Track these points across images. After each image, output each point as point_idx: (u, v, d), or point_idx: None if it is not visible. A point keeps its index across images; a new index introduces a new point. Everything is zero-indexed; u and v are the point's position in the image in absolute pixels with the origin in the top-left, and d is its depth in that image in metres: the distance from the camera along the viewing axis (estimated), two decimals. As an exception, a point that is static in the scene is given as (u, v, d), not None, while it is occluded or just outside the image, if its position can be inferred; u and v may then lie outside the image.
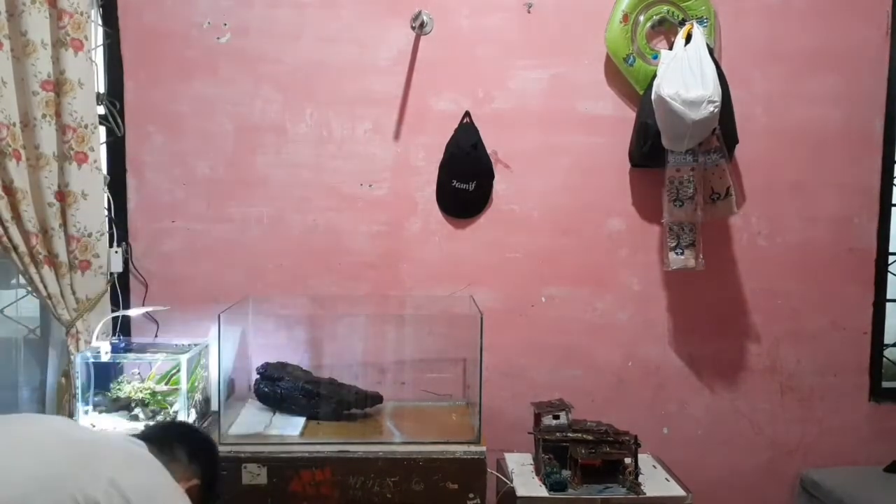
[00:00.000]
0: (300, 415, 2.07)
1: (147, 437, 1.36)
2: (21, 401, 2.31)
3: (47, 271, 2.07)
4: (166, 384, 2.10)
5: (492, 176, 2.34)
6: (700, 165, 2.22)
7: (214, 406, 2.10)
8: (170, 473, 1.26)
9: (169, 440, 1.38)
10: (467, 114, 2.32)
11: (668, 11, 2.28)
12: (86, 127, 2.08)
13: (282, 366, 2.15)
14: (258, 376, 2.12)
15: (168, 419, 1.51)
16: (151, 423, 1.94)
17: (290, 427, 1.99)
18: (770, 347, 2.44)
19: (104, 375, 2.12)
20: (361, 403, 2.08)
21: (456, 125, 2.32)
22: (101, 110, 2.23)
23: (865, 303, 2.44)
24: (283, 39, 2.28)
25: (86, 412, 2.03)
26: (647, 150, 2.24)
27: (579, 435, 2.03)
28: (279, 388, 2.07)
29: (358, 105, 2.31)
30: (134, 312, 2.23)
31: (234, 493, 1.78)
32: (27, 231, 2.03)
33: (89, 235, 2.13)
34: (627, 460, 2.00)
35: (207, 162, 2.29)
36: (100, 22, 2.26)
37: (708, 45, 2.19)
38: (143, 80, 2.27)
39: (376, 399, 2.11)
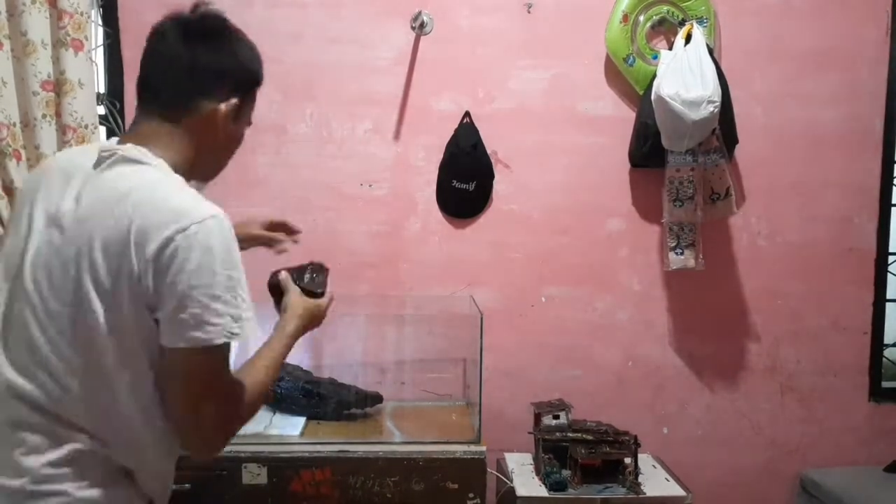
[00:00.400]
0: (300, 415, 2.07)
1: (148, 86, 1.12)
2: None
3: (47, 271, 2.07)
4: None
5: (492, 176, 2.35)
6: (700, 165, 2.22)
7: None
8: (198, 119, 1.08)
9: (177, 71, 1.10)
10: (467, 114, 2.32)
11: (667, 11, 2.28)
12: (86, 127, 2.08)
13: (292, 369, 2.14)
14: None
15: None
16: None
17: (291, 427, 1.99)
18: (770, 347, 2.44)
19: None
20: (361, 403, 2.08)
21: (456, 125, 2.32)
22: (102, 110, 2.23)
23: (865, 303, 2.44)
24: (283, 39, 2.28)
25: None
26: (647, 150, 2.24)
27: (579, 435, 2.03)
28: (279, 387, 2.07)
29: (358, 105, 2.31)
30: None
31: (234, 493, 1.78)
32: (27, 231, 2.03)
33: (89, 235, 2.13)
34: (627, 460, 2.00)
35: (207, 162, 2.29)
36: (100, 22, 2.26)
37: (708, 45, 2.19)
38: (144, 80, 2.27)
39: (376, 399, 2.11)
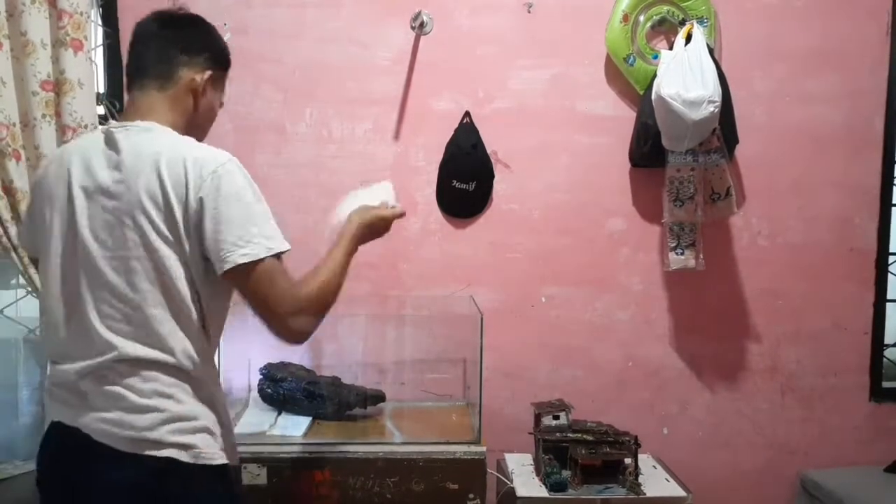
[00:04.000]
0: (303, 414, 2.07)
1: (139, 68, 1.34)
2: (21, 401, 2.31)
3: (47, 271, 2.07)
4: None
5: (492, 176, 2.34)
6: (700, 165, 2.22)
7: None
8: (180, 86, 1.33)
9: (162, 51, 1.34)
10: (467, 114, 2.32)
11: (668, 11, 2.28)
12: (86, 127, 2.07)
13: (283, 366, 2.15)
14: (261, 377, 2.12)
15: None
16: None
17: (294, 427, 1.99)
18: (770, 348, 2.43)
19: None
20: (364, 402, 2.07)
21: (456, 125, 2.32)
22: (101, 110, 2.23)
23: (866, 303, 2.44)
24: (283, 39, 2.28)
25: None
26: (648, 150, 2.24)
27: (579, 435, 2.03)
28: (282, 388, 2.07)
29: (358, 105, 2.31)
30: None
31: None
32: (27, 231, 2.03)
33: (89, 235, 2.12)
34: (627, 460, 2.00)
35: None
36: (100, 22, 2.26)
37: (708, 45, 2.19)
38: (143, 80, 2.27)
39: (379, 398, 2.10)
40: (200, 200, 1.20)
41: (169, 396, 1.23)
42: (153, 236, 1.21)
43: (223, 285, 1.28)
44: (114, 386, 1.22)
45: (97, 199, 1.25)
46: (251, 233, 1.21)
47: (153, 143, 1.25)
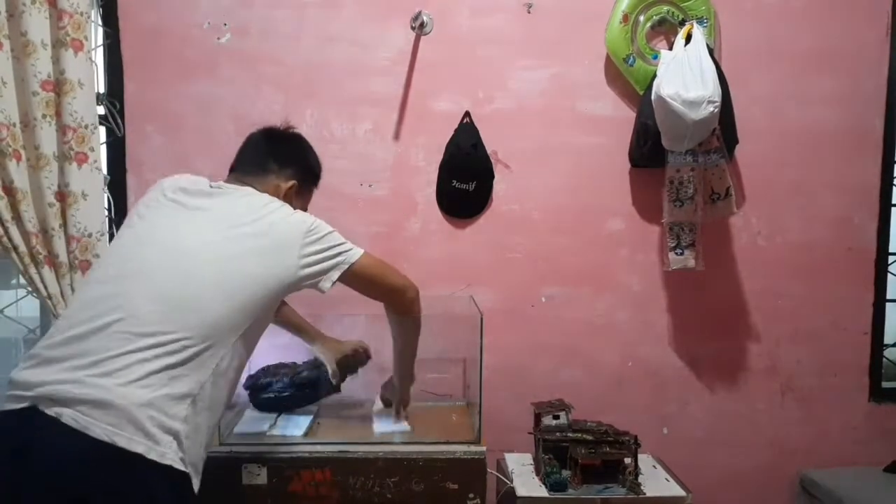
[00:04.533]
0: (304, 404, 2.06)
1: (239, 165, 1.62)
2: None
3: (47, 271, 2.07)
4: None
5: (492, 176, 2.35)
6: (700, 166, 2.22)
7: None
8: (268, 188, 1.56)
9: (258, 157, 1.61)
10: (467, 114, 2.32)
11: (667, 12, 2.28)
12: (86, 127, 2.08)
13: (263, 372, 2.12)
14: (248, 392, 2.09)
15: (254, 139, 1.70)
16: None
17: (295, 427, 1.99)
18: (770, 348, 2.44)
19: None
20: (354, 368, 2.06)
21: (456, 125, 2.32)
22: (102, 110, 2.23)
23: (865, 303, 2.44)
24: (283, 40, 2.28)
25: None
26: (647, 150, 2.24)
27: (579, 435, 2.03)
28: (272, 391, 2.05)
29: (358, 105, 2.31)
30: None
31: (233, 493, 1.78)
32: (27, 231, 2.03)
33: (89, 236, 2.12)
34: (627, 460, 2.00)
35: (208, 162, 2.28)
36: (100, 22, 2.26)
37: (708, 46, 2.19)
38: (144, 80, 2.27)
39: (360, 361, 2.07)
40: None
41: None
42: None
43: None
44: None
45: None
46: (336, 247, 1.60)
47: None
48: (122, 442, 1.20)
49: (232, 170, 1.63)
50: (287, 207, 1.52)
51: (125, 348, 1.26)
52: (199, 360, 1.30)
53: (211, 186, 1.53)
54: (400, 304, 1.70)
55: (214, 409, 1.37)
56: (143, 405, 1.23)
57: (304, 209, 1.64)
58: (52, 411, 1.21)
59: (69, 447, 1.19)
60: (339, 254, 1.52)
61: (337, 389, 2.07)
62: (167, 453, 1.25)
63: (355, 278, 1.56)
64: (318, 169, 1.73)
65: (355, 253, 1.55)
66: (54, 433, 1.19)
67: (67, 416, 1.20)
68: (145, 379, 1.25)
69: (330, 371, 1.99)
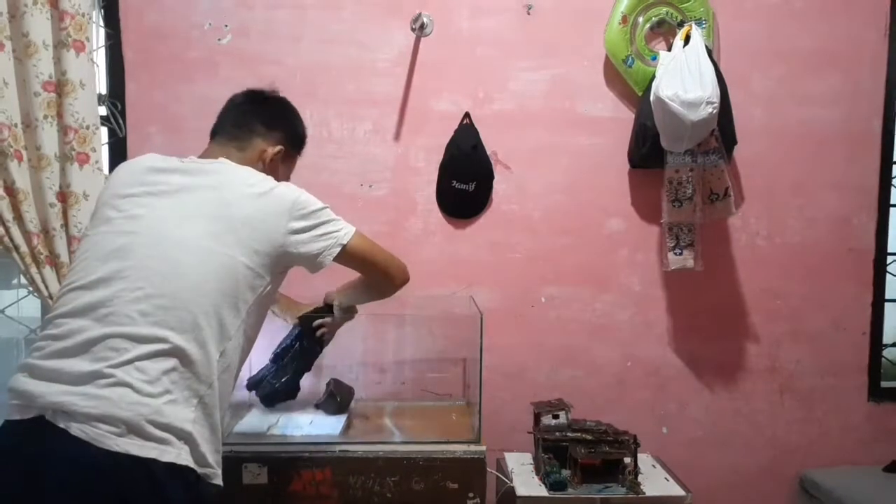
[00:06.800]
0: (301, 371, 2.02)
1: (221, 128, 1.53)
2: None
3: (49, 271, 2.08)
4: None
5: (492, 176, 2.35)
6: (699, 166, 2.22)
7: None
8: (253, 153, 1.50)
9: (243, 119, 1.53)
10: (467, 115, 2.33)
11: (666, 13, 2.29)
12: (87, 128, 2.09)
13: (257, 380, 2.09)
14: (252, 391, 2.07)
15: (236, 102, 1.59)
16: None
17: (294, 428, 1.99)
18: (769, 348, 2.44)
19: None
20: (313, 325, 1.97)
21: (456, 126, 2.33)
22: (103, 111, 2.24)
23: (864, 303, 2.45)
24: (283, 41, 2.29)
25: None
26: (647, 150, 2.25)
27: (579, 435, 2.03)
28: (269, 384, 2.03)
29: (358, 106, 2.32)
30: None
31: (234, 493, 1.79)
32: (29, 231, 2.04)
33: (90, 236, 2.13)
34: (627, 460, 2.00)
35: (208, 163, 2.30)
36: (101, 23, 2.27)
37: (706, 47, 2.19)
38: (145, 81, 2.28)
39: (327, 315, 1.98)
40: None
41: None
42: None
43: None
44: None
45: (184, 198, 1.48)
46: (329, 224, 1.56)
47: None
48: (134, 450, 1.18)
49: (213, 134, 1.55)
50: (270, 180, 1.44)
51: (124, 357, 1.22)
52: (201, 359, 1.29)
53: (182, 162, 1.44)
54: (385, 290, 1.64)
55: (223, 403, 1.36)
56: (152, 413, 1.21)
57: (288, 178, 1.58)
58: (60, 424, 1.18)
59: (83, 460, 1.17)
60: (329, 233, 1.46)
61: (318, 343, 1.97)
62: (181, 454, 1.23)
63: (345, 257, 1.50)
64: (304, 135, 1.65)
65: (347, 233, 1.48)
66: (66, 446, 1.17)
67: (76, 429, 1.18)
68: (149, 386, 1.22)
69: (290, 322, 1.89)
